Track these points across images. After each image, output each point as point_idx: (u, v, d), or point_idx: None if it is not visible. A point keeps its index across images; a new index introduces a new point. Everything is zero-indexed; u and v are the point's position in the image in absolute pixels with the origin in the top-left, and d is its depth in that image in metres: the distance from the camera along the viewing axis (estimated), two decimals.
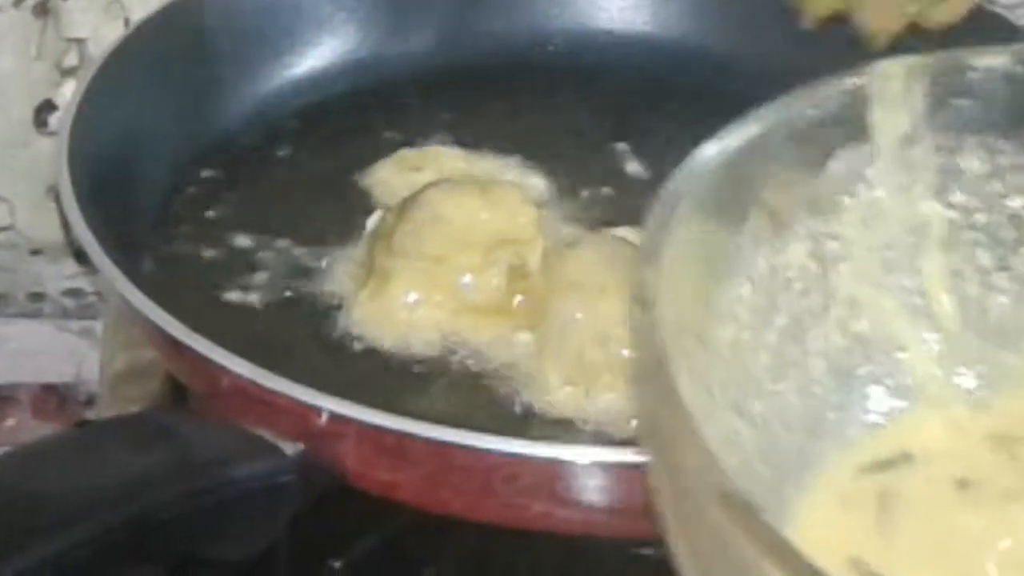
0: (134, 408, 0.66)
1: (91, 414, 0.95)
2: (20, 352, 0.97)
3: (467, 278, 0.64)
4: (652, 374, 0.32)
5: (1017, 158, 0.42)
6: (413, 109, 0.77)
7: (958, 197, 0.42)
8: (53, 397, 0.98)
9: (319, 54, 0.79)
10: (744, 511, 0.29)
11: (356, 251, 0.67)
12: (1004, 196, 0.42)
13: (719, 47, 0.81)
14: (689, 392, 0.32)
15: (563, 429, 0.60)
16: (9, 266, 0.95)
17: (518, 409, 0.60)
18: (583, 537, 0.58)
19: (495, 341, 0.63)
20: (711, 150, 0.38)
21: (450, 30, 0.81)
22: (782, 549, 0.29)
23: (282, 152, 0.75)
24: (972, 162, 0.41)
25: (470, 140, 0.73)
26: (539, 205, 0.70)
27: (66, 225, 0.62)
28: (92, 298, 0.96)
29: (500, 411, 0.60)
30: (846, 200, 0.41)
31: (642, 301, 0.34)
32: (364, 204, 0.70)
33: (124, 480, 0.51)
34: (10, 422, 0.98)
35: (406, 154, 0.73)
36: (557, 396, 0.60)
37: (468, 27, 0.82)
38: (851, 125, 0.40)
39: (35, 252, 0.94)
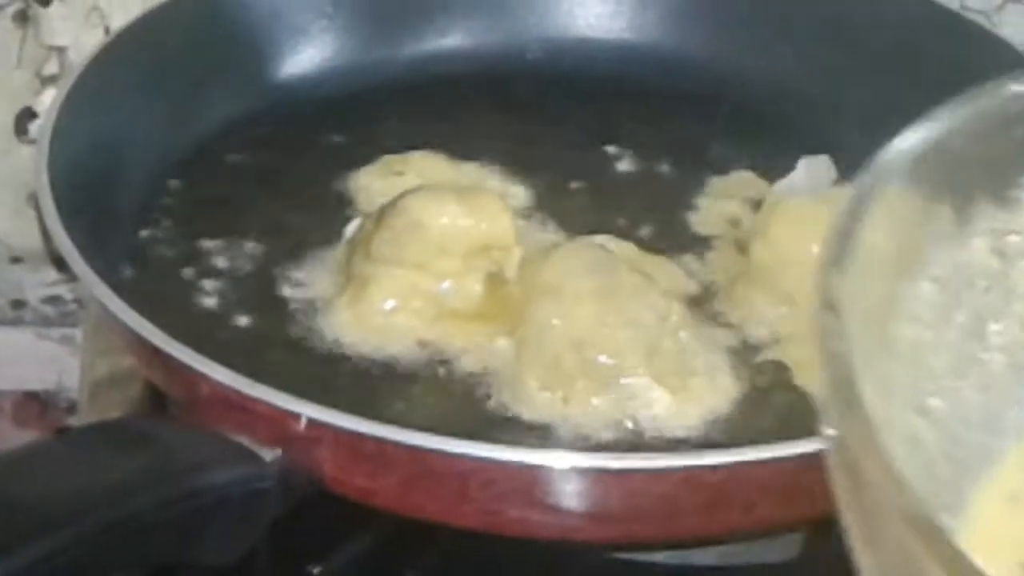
0: (114, 415, 0.67)
1: (73, 421, 0.95)
2: (1, 360, 0.97)
3: (445, 285, 0.64)
4: (837, 386, 0.32)
5: None
6: (392, 118, 0.77)
7: None
8: (34, 405, 0.98)
9: (298, 62, 0.79)
10: (929, 531, 0.29)
11: (335, 258, 0.67)
12: None
13: (696, 52, 0.81)
14: (873, 401, 0.32)
15: (540, 434, 0.60)
16: None
17: (496, 415, 0.61)
18: (562, 542, 0.58)
19: (473, 347, 0.63)
20: (895, 151, 0.37)
21: (429, 39, 0.82)
22: (968, 571, 0.28)
23: (262, 159, 0.75)
24: None
25: (451, 149, 0.73)
26: (521, 212, 0.70)
27: (45, 233, 0.62)
28: (73, 306, 0.96)
29: (478, 417, 0.60)
30: None
31: (828, 305, 0.33)
32: (346, 211, 0.70)
33: (102, 486, 0.51)
34: None
35: (390, 160, 0.73)
36: (534, 402, 0.61)
37: (447, 36, 0.82)
38: None
39: (15, 260, 0.94)
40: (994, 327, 0.40)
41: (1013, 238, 0.41)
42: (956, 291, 0.39)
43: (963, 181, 0.39)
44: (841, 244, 0.35)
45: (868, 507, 0.31)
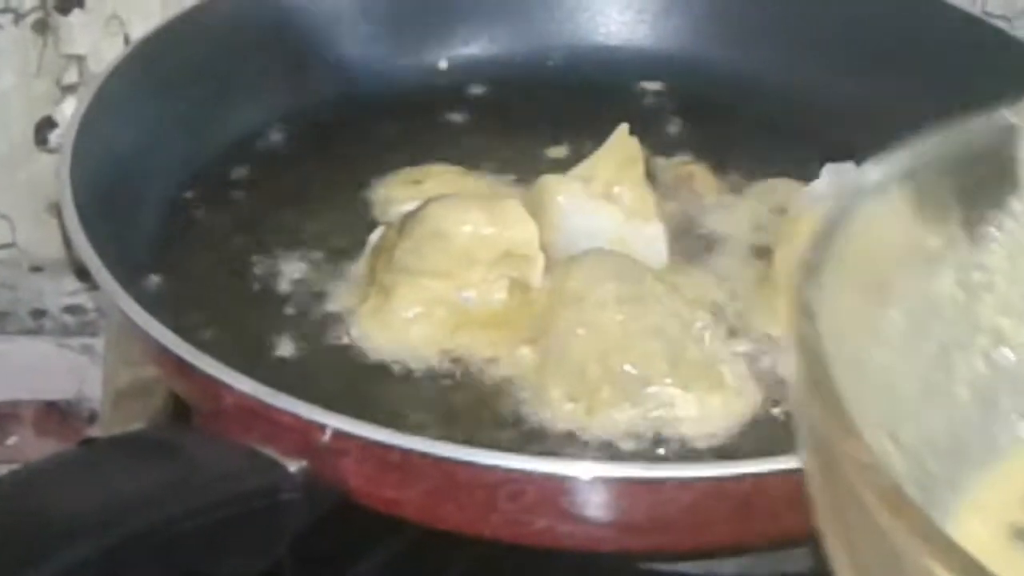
0: (136, 425, 0.67)
1: (93, 431, 0.95)
2: (22, 369, 0.97)
3: (469, 293, 0.64)
4: (814, 381, 0.33)
5: None
6: (413, 127, 0.77)
7: None
8: (55, 414, 0.98)
9: (318, 72, 0.79)
10: (905, 506, 0.30)
11: (358, 267, 0.67)
12: None
13: (718, 59, 0.81)
14: (850, 398, 0.32)
15: (566, 444, 0.60)
16: (10, 283, 0.95)
17: (521, 424, 0.60)
18: (588, 552, 0.58)
19: (497, 356, 0.63)
20: (866, 178, 0.38)
21: (449, 47, 0.81)
22: (942, 541, 0.29)
23: (283, 168, 0.75)
24: None
25: (471, 157, 0.73)
26: None
27: (67, 242, 0.62)
28: (93, 315, 0.96)
29: (503, 426, 0.60)
30: (993, 232, 0.41)
31: (805, 312, 0.34)
32: (367, 220, 0.70)
33: (128, 498, 0.51)
34: (12, 440, 0.98)
35: (409, 171, 0.73)
36: (559, 411, 0.60)
37: (467, 44, 0.82)
38: (1000, 160, 0.40)
39: (36, 269, 0.94)
40: (959, 359, 0.40)
41: (977, 274, 0.41)
42: (924, 321, 0.40)
43: (931, 215, 0.40)
44: (817, 258, 0.35)
45: (843, 496, 0.31)
